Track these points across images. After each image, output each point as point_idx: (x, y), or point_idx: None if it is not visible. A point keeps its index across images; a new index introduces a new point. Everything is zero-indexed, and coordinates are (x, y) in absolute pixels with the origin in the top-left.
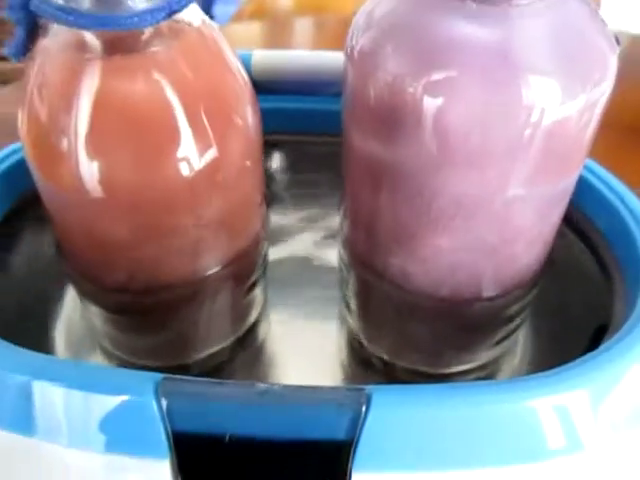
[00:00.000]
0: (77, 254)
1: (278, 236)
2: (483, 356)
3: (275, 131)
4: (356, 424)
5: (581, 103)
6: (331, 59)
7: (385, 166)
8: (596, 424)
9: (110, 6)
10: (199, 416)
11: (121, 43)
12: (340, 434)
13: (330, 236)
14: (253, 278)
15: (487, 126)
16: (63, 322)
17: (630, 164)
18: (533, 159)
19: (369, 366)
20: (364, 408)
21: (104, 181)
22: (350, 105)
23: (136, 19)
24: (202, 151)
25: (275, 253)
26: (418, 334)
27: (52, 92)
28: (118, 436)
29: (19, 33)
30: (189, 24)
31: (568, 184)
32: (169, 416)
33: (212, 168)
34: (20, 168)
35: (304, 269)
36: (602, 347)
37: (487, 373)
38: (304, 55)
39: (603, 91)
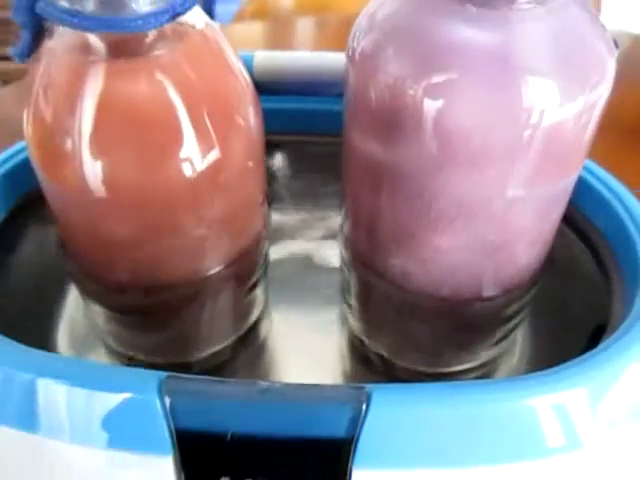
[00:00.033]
0: (80, 253)
1: (279, 236)
2: (483, 355)
3: (277, 131)
4: (356, 422)
5: (580, 105)
6: (332, 60)
7: (385, 167)
8: (594, 422)
9: (114, 9)
10: (202, 414)
11: (125, 45)
12: (340, 432)
13: (331, 236)
14: (254, 277)
15: (487, 128)
16: (66, 320)
17: (630, 165)
18: (533, 160)
19: (369, 365)
20: (364, 406)
21: (107, 181)
22: (351, 106)
23: (140, 22)
24: (205, 152)
25: (276, 252)
26: (418, 333)
27: (57, 93)
28: (122, 433)
29: (25, 35)
30: (192, 26)
31: (567, 184)
32: (172, 413)
33: (214, 169)
34: (24, 168)
35: (305, 268)
36: (600, 346)
37: (486, 372)
38: (305, 56)
39: (601, 93)
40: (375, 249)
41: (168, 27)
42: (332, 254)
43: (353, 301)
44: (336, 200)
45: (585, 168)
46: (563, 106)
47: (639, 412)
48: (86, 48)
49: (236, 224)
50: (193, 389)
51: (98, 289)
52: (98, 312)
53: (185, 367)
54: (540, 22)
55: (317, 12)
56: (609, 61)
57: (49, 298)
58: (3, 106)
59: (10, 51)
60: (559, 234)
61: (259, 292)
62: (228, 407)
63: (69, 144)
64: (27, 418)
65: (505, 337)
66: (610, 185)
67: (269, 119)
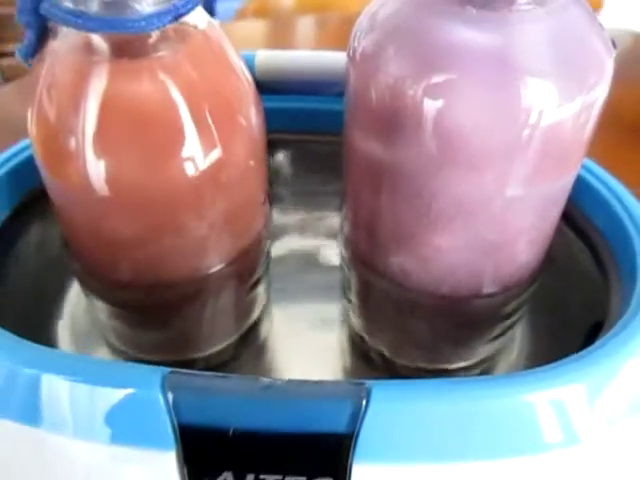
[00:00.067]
0: (83, 251)
1: (280, 234)
2: (482, 352)
3: (278, 130)
4: (356, 418)
5: (578, 105)
6: (333, 59)
7: (385, 167)
8: (592, 418)
9: (118, 10)
10: (204, 409)
11: (128, 46)
12: (341, 427)
13: (332, 234)
14: (256, 276)
15: (486, 128)
16: (68, 318)
17: (630, 163)
18: (532, 159)
19: (369, 362)
20: (364, 402)
21: (110, 180)
22: (352, 106)
23: (143, 23)
24: (207, 151)
25: (277, 251)
26: (418, 330)
27: (61, 93)
28: (125, 428)
29: (29, 36)
30: (195, 27)
31: (566, 183)
32: (175, 409)
33: (216, 168)
34: (28, 165)
35: (306, 267)
36: (598, 343)
37: (485, 368)
38: (307, 55)
39: (599, 94)
40: (375, 248)
41: (171, 28)
42: (332, 253)
43: (353, 298)
44: (337, 199)
45: (584, 167)
46: (562, 106)
47: (636, 408)
48: (90, 48)
49: (238, 223)
50: (196, 385)
51: (100, 286)
52: (100, 309)
53: (187, 364)
54: (539, 23)
55: (318, 10)
56: (607, 61)
57: (52, 296)
58: (5, 104)
59: (16, 51)
60: (558, 233)
61: (261, 290)
62: (231, 403)
63: (73, 143)
64: (31, 413)
65: (504, 334)
66: (609, 184)
67: (270, 118)
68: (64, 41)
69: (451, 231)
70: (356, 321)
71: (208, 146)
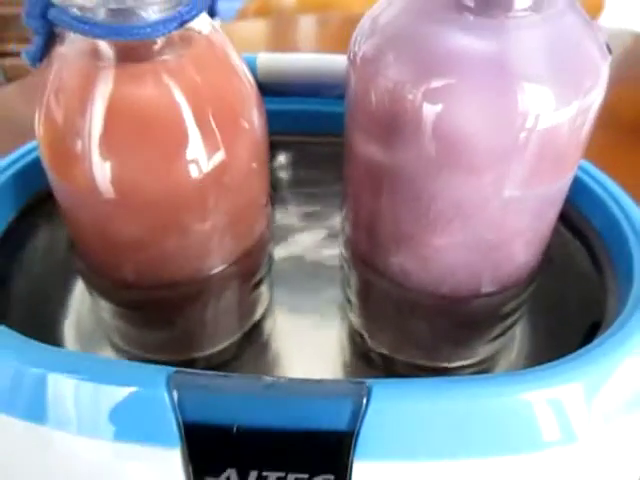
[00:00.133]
0: (89, 252)
1: (283, 235)
2: (481, 351)
3: (280, 132)
4: (357, 416)
5: (574, 110)
6: (334, 62)
7: (385, 169)
8: (589, 416)
9: (124, 17)
10: (209, 407)
11: (134, 51)
12: (342, 425)
13: (333, 235)
14: (258, 276)
15: (484, 132)
16: (74, 318)
17: (628, 163)
18: (529, 162)
19: (370, 361)
20: (365, 400)
21: (116, 182)
22: (352, 109)
23: (149, 29)
24: (210, 154)
25: (279, 251)
26: (418, 330)
27: (67, 97)
28: (130, 426)
29: (37, 41)
30: (199, 32)
31: (563, 185)
32: (180, 407)
33: (220, 170)
34: (35, 167)
35: (307, 267)
36: (595, 342)
37: (485, 368)
38: (308, 58)
39: (595, 98)
40: (375, 249)
41: (175, 34)
42: (333, 253)
43: (354, 298)
44: (337, 200)
45: (581, 168)
46: (558, 111)
47: (633, 406)
48: (96, 54)
49: (240, 225)
50: (200, 383)
51: (105, 286)
52: (105, 308)
53: (191, 364)
54: (536, 29)
55: (319, 10)
56: (603, 67)
57: (57, 296)
58: (8, 104)
59: (22, 55)
60: (555, 233)
61: (263, 290)
62: (234, 401)
63: (79, 146)
64: (37, 411)
65: (503, 333)
66: (606, 185)
67: (272, 120)
68: (71, 46)
69: (449, 232)
70: (356, 321)
71: (212, 149)
